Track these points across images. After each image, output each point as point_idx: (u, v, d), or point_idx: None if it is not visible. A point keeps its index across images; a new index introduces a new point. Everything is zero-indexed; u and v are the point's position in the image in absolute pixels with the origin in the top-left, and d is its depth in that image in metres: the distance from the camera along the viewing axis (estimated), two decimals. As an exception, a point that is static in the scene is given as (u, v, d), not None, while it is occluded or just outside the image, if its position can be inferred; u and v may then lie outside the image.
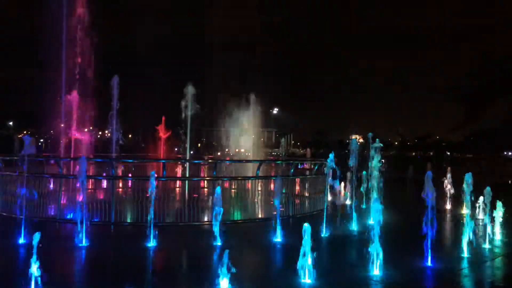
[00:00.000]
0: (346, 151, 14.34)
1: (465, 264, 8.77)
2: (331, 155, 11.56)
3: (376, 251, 7.68)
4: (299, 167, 17.71)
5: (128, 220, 12.56)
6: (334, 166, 11.66)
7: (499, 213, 11.29)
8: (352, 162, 12.71)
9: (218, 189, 9.91)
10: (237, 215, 13.64)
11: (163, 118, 20.49)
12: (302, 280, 7.03)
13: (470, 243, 9.20)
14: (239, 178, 16.34)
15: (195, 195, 14.59)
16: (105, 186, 16.11)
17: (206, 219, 12.60)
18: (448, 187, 17.40)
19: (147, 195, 10.14)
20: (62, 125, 19.47)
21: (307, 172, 18.38)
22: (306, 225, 7.03)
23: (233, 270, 6.41)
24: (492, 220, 11.12)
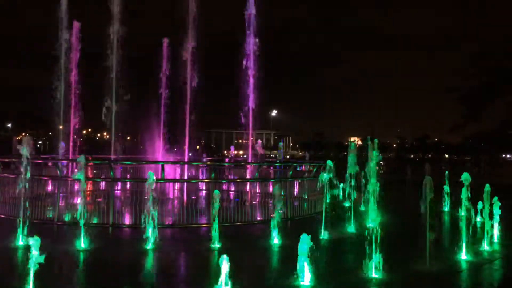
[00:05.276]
0: (345, 153, 14.34)
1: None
2: (329, 162, 11.57)
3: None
4: (297, 169, 17.65)
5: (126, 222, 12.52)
6: (331, 176, 11.67)
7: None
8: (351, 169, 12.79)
9: (216, 192, 9.86)
10: (235, 217, 13.57)
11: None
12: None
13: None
14: (238, 180, 16.32)
15: (193, 197, 14.56)
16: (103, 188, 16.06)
17: (204, 221, 12.57)
18: None
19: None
20: (61, 126, 19.46)
21: (306, 174, 18.35)
22: None
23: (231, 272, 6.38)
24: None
